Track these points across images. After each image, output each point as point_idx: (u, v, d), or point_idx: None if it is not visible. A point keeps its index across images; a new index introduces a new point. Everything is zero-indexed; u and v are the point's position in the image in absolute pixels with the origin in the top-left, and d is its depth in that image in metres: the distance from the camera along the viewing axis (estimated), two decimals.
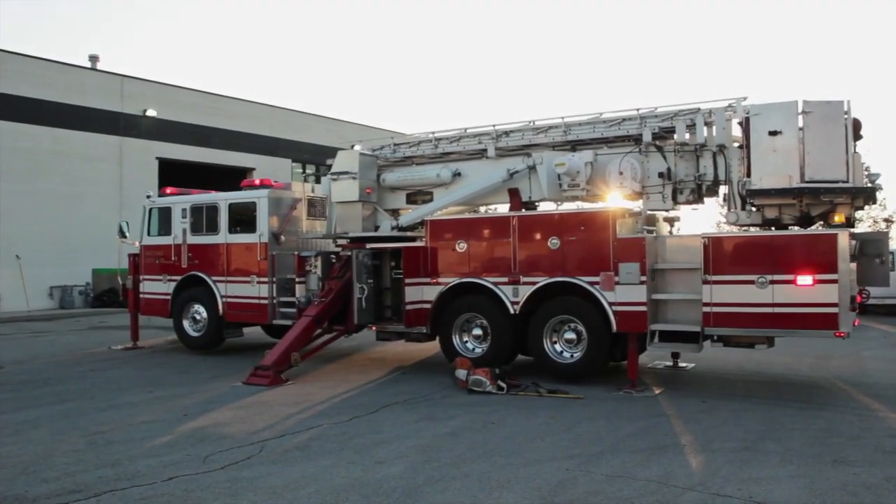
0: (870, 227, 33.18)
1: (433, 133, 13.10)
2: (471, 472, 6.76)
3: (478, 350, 11.78)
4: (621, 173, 11.16)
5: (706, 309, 9.86)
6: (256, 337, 16.17)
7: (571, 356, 11.04)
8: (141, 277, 15.86)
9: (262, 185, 14.40)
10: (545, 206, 12.39)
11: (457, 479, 6.53)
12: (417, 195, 13.22)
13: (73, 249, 26.62)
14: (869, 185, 10.22)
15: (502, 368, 10.85)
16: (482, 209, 13.79)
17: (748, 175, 10.08)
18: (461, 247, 11.81)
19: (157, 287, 15.46)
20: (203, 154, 31.54)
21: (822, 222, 10.21)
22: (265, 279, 13.79)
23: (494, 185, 12.19)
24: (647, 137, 11.10)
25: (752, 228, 10.69)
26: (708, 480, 6.44)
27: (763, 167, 9.90)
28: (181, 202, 15.23)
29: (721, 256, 9.86)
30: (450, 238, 11.95)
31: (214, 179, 25.79)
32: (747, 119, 10.09)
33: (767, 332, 9.81)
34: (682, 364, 12.51)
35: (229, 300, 14.27)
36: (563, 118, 11.93)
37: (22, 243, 25.36)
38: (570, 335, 11.04)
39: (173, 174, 28.86)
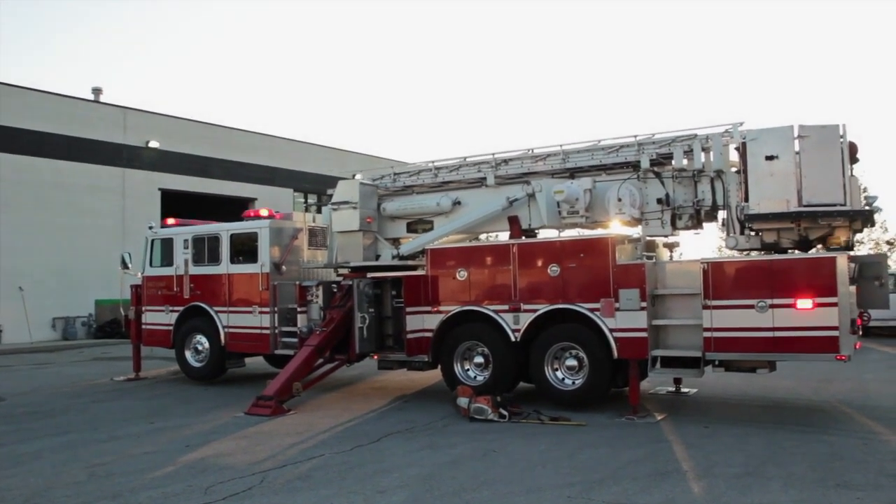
0: (871, 249, 33.19)
1: (433, 162, 13.19)
2: (472, 500, 6.74)
3: (479, 378, 11.75)
4: (620, 200, 11.21)
5: (707, 334, 9.85)
6: (258, 367, 16.16)
7: (573, 383, 11.02)
8: (143, 308, 15.89)
9: (264, 216, 14.47)
10: (545, 234, 12.42)
11: None
12: (418, 224, 13.27)
13: (76, 280, 26.70)
14: (867, 207, 10.23)
15: (504, 396, 10.83)
16: (482, 237, 13.83)
17: (746, 200, 10.11)
18: (462, 275, 11.83)
19: (160, 318, 15.47)
20: (205, 185, 31.71)
21: (820, 246, 10.23)
22: (267, 309, 13.80)
23: (494, 213, 12.25)
24: (644, 164, 11.15)
25: (751, 253, 10.72)
26: None
27: (761, 192, 9.93)
28: (183, 233, 15.30)
29: (721, 281, 9.88)
30: (450, 266, 11.98)
31: (216, 210, 25.93)
32: (744, 144, 10.14)
33: (768, 357, 9.80)
34: (684, 390, 12.47)
35: (231, 330, 14.28)
36: (561, 146, 12.02)
37: (25, 275, 25.45)
38: (572, 362, 11.01)
39: (175, 205, 28.95)
